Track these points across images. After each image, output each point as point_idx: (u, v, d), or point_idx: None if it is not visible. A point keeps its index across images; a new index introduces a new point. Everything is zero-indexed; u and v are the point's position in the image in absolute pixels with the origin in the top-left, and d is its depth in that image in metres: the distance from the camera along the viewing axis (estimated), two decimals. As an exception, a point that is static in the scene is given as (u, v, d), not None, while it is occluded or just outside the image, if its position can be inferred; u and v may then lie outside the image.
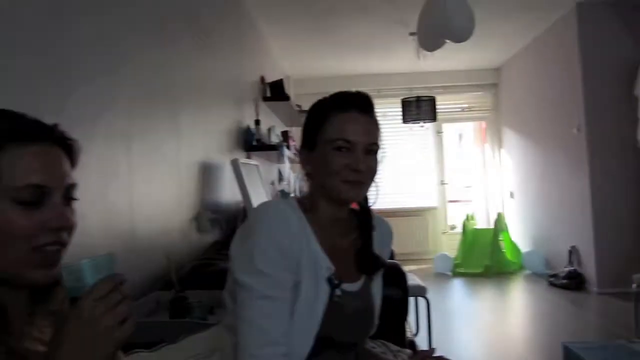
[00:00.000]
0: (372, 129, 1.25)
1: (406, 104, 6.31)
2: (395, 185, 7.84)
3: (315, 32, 5.81)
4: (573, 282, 5.32)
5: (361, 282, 1.30)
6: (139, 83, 2.11)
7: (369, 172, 1.23)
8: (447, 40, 3.35)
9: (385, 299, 1.40)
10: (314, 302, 1.16)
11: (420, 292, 3.35)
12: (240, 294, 1.12)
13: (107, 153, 1.81)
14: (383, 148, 1.30)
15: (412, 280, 3.47)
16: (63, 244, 0.78)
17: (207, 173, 3.03)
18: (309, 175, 1.30)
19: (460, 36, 3.26)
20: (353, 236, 1.33)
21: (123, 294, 0.73)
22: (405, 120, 6.32)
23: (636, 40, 5.01)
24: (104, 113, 1.79)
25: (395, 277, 2.30)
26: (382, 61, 7.17)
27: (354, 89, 1.31)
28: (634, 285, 3.26)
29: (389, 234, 1.44)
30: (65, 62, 1.58)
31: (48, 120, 0.82)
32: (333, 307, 1.19)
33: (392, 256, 3.17)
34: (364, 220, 1.33)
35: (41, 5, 1.46)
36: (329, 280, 1.19)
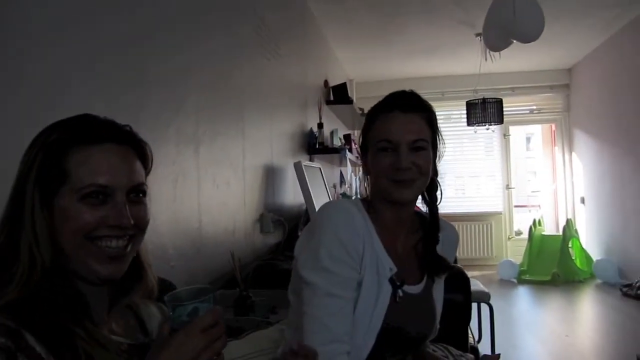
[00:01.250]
0: (415, 126, 1.24)
1: (471, 106, 6.19)
2: (459, 189, 7.69)
3: (379, 35, 5.81)
4: (650, 293, 5.04)
5: (423, 285, 1.30)
6: (206, 88, 2.20)
7: (416, 169, 1.22)
8: (514, 41, 3.27)
9: (447, 303, 1.40)
10: (376, 302, 1.17)
11: (484, 298, 3.29)
12: (305, 292, 1.14)
13: (177, 157, 1.90)
14: (441, 143, 1.30)
15: (475, 285, 3.41)
16: (125, 240, 0.81)
17: (271, 175, 3.11)
18: (368, 178, 1.32)
19: (529, 36, 3.17)
20: (416, 238, 1.33)
21: (223, 330, 0.78)
22: (470, 122, 6.20)
23: None
24: (174, 119, 1.89)
25: (458, 282, 2.27)
26: (446, 63, 7.08)
27: (400, 90, 1.32)
28: None
29: (454, 238, 1.43)
30: (140, 70, 1.68)
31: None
32: (394, 307, 1.20)
33: (455, 261, 3.14)
34: (430, 221, 1.33)
35: (117, 12, 1.56)
36: (391, 281, 1.21)
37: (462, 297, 2.23)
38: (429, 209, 1.34)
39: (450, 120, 7.65)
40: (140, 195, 0.85)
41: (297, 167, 3.22)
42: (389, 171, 1.21)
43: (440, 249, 1.33)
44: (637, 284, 5.19)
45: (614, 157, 6.21)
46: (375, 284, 1.18)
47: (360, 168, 5.87)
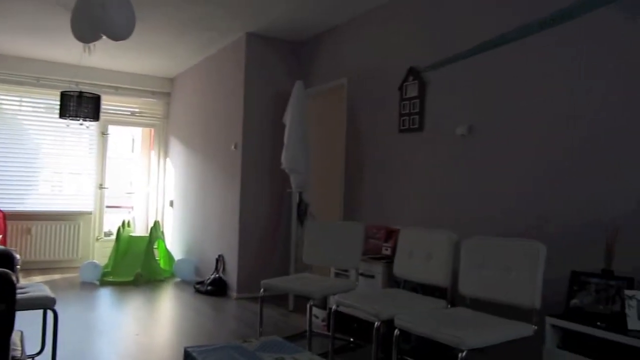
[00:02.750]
0: None
1: (66, 98, 5.81)
2: (48, 186, 7.10)
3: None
4: (217, 288, 5.69)
5: None
6: None
7: None
8: (104, 36, 3.18)
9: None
10: None
11: (48, 304, 3.05)
12: None
13: None
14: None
15: (41, 291, 3.14)
16: None
17: None
18: None
19: (117, 34, 3.13)
20: None
21: None
22: (63, 115, 5.80)
23: (290, 74, 5.73)
24: None
25: (1, 289, 2.03)
26: (44, 47, 6.47)
27: None
28: (261, 290, 3.65)
29: None
30: None
31: None
32: None
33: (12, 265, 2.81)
34: None
35: None
36: None
37: (4, 306, 2.00)
38: None
39: (53, 111, 7.00)
40: None
41: None
42: None
43: None
44: (208, 281, 5.79)
45: (200, 163, 6.83)
46: None
47: None
